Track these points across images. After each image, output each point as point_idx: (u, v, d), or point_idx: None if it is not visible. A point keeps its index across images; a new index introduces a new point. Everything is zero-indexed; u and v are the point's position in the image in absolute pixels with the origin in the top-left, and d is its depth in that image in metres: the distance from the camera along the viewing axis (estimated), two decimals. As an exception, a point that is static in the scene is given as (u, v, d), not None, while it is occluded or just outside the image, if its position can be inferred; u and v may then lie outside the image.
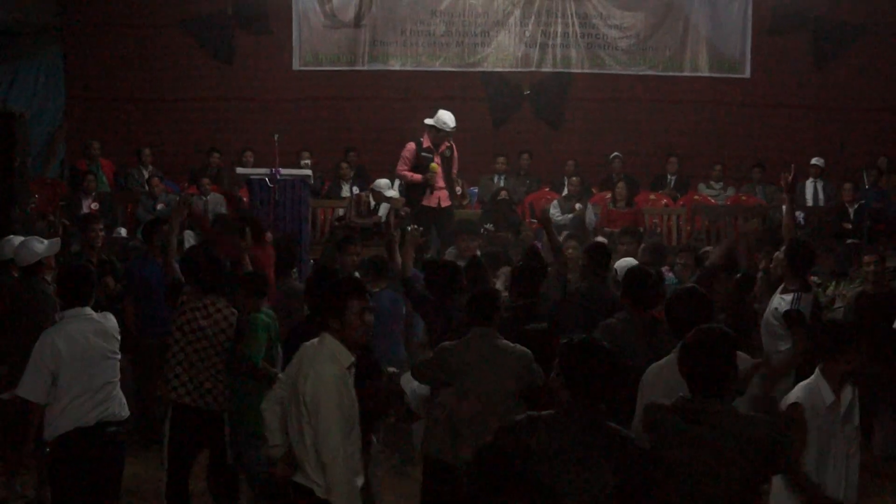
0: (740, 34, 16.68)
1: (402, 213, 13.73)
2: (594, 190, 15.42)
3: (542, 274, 7.73)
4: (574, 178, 14.85)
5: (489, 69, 16.71)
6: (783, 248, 7.88)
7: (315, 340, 5.10)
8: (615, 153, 15.80)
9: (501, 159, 15.77)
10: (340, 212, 14.19)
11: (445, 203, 12.58)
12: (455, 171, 12.84)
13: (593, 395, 4.37)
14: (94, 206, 13.73)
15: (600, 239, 11.94)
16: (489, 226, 12.96)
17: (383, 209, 13.59)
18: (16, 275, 7.94)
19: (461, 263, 8.33)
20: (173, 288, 7.51)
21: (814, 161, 15.44)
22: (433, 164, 12.32)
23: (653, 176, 16.22)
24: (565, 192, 14.94)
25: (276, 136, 12.24)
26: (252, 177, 12.11)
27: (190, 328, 6.94)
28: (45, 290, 7.66)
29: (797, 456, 5.16)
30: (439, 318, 7.45)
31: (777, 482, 5.33)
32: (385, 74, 16.59)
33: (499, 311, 6.41)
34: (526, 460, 4.25)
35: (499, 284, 8.67)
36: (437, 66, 16.60)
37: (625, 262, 8.83)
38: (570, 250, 9.58)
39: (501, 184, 15.15)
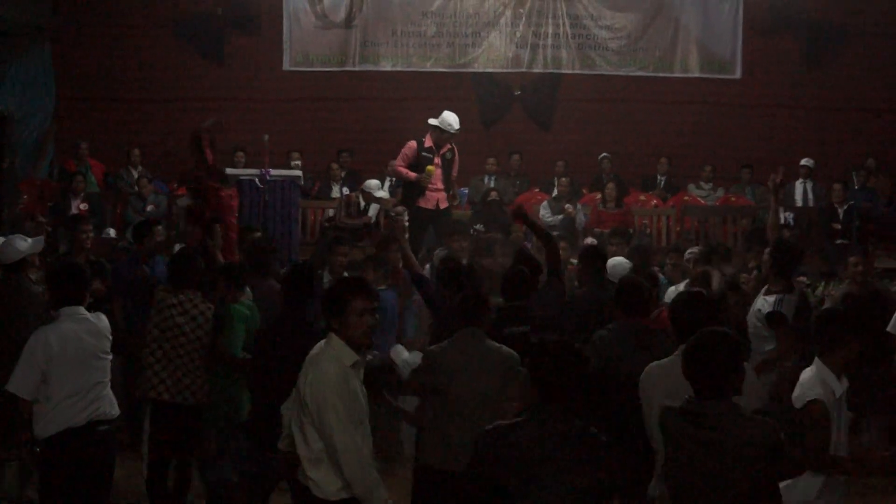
0: (731, 35, 16.70)
1: (393, 214, 13.73)
2: (584, 191, 15.43)
3: (532, 277, 7.70)
4: (564, 179, 14.87)
5: (480, 70, 16.72)
6: (767, 248, 7.89)
7: (323, 341, 5.10)
8: (604, 153, 15.81)
9: (492, 160, 15.78)
10: (330, 212, 14.19)
11: (444, 205, 12.50)
12: (454, 174, 12.84)
13: (563, 397, 4.32)
14: (84, 206, 13.71)
15: (590, 240, 11.97)
16: (479, 226, 12.95)
17: (373, 210, 13.60)
18: (-1, 273, 7.92)
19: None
20: (150, 286, 7.61)
21: (803, 162, 15.47)
22: (430, 168, 12.21)
23: (643, 177, 16.23)
24: (555, 192, 14.94)
25: (265, 137, 12.25)
26: (242, 177, 12.10)
27: (166, 325, 7.02)
28: (30, 289, 7.63)
29: (819, 453, 5.14)
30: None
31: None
32: (376, 75, 16.59)
33: (487, 313, 6.42)
34: (502, 469, 4.20)
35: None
36: (428, 67, 16.61)
37: (614, 262, 8.85)
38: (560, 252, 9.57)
39: (492, 184, 15.16)
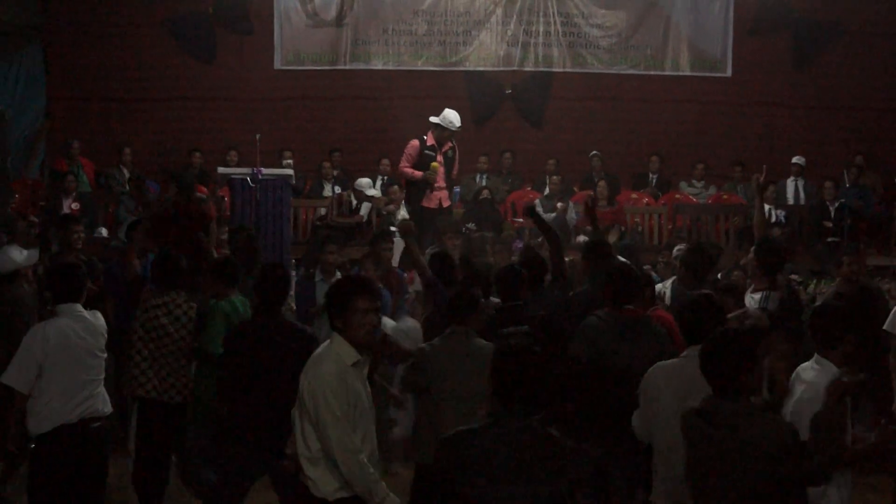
0: (721, 33, 16.72)
1: (384, 213, 13.76)
2: (576, 189, 15.45)
3: (531, 275, 7.65)
4: (555, 177, 14.90)
5: (471, 68, 16.70)
6: (752, 247, 7.90)
7: (327, 340, 5.10)
8: (594, 151, 15.80)
9: (483, 158, 15.80)
10: (322, 211, 14.19)
11: (446, 203, 12.57)
12: (455, 172, 12.83)
13: (525, 402, 4.18)
14: (75, 206, 13.69)
15: (581, 238, 11.99)
16: (471, 225, 12.96)
17: (365, 209, 13.62)
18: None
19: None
20: (134, 285, 7.61)
21: (795, 160, 15.51)
22: (434, 164, 12.24)
23: (634, 175, 16.27)
24: (547, 191, 14.97)
25: (257, 136, 12.25)
26: (233, 176, 12.11)
27: (151, 326, 7.08)
28: (23, 297, 7.64)
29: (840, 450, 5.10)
30: None
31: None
32: (367, 74, 16.56)
33: (476, 312, 6.43)
34: (462, 475, 4.11)
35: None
36: (420, 66, 16.59)
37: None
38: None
39: (483, 183, 15.20)
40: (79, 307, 6.34)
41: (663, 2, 16.64)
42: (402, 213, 13.86)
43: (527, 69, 16.75)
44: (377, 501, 4.90)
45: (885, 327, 8.32)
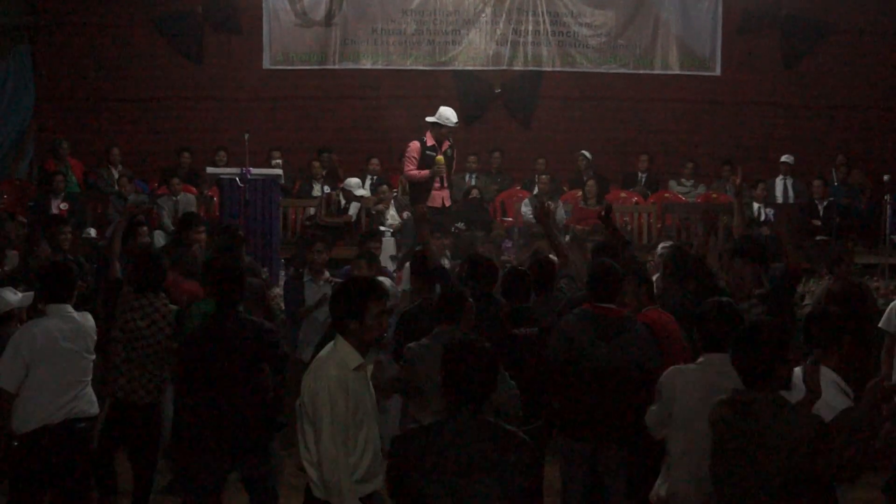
0: (710, 32, 16.73)
1: (373, 212, 13.75)
2: (565, 188, 15.46)
3: (539, 277, 7.64)
4: (545, 177, 14.90)
5: (460, 67, 16.68)
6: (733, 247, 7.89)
7: (331, 344, 5.04)
8: (582, 151, 15.78)
9: (473, 158, 15.78)
10: (311, 211, 14.18)
11: (448, 203, 12.54)
12: (454, 170, 12.80)
13: (475, 398, 4.25)
14: (64, 206, 13.63)
15: (569, 237, 11.98)
16: (460, 224, 12.95)
17: (353, 208, 13.60)
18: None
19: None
20: (112, 287, 7.59)
21: (784, 158, 15.52)
22: (439, 157, 12.21)
23: (624, 174, 16.28)
24: (536, 190, 14.97)
25: (246, 136, 12.23)
26: (223, 176, 12.09)
27: (128, 328, 7.04)
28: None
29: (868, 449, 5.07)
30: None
31: None
32: (356, 73, 16.55)
33: (466, 312, 6.41)
34: (417, 472, 4.14)
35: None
36: (409, 65, 16.57)
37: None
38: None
39: (473, 182, 15.20)
40: (68, 308, 6.35)
41: (652, 1, 16.64)
42: (392, 213, 13.87)
43: (516, 68, 16.74)
44: None
45: (880, 325, 8.36)
